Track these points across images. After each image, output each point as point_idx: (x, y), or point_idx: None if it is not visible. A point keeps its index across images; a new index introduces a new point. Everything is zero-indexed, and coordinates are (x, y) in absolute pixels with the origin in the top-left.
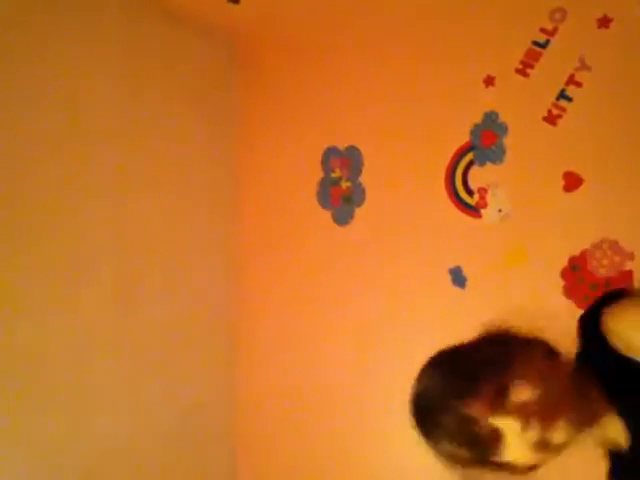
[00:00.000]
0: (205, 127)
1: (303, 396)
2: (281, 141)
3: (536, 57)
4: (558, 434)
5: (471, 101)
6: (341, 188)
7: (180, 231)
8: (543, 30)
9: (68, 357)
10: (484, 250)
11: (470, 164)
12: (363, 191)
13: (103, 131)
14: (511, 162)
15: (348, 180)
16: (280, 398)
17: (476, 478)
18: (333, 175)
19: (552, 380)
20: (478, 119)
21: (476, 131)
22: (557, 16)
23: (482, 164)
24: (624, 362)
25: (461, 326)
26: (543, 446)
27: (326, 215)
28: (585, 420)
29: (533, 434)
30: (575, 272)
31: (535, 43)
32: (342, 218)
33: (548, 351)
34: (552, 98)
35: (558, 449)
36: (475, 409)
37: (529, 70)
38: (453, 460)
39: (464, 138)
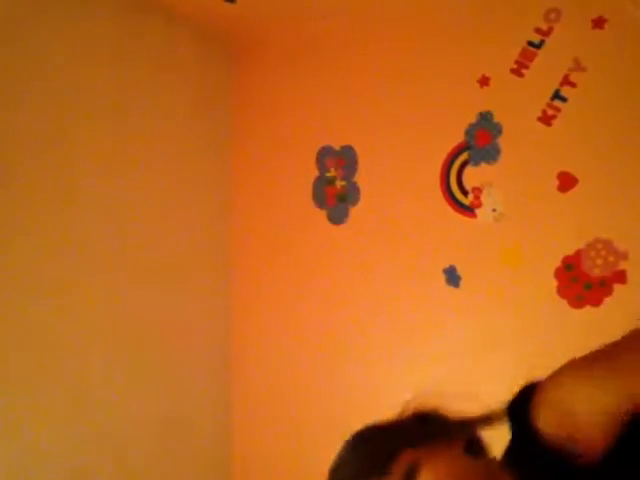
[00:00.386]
0: (200, 126)
1: (298, 397)
2: (276, 140)
3: (531, 57)
4: None
5: (466, 101)
6: (336, 187)
7: (175, 230)
8: (538, 30)
9: (61, 355)
10: (478, 250)
11: (465, 164)
12: (358, 190)
13: (97, 130)
14: (506, 162)
15: (343, 179)
16: (275, 398)
17: None
18: (328, 174)
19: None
20: (473, 119)
21: (471, 131)
22: (552, 16)
23: (477, 164)
24: (554, 462)
25: (455, 325)
26: None
27: (321, 214)
28: None
29: None
30: (569, 272)
31: (530, 43)
32: (337, 217)
33: (471, 443)
34: (547, 98)
35: None
36: None
37: (524, 70)
38: None
39: (459, 138)
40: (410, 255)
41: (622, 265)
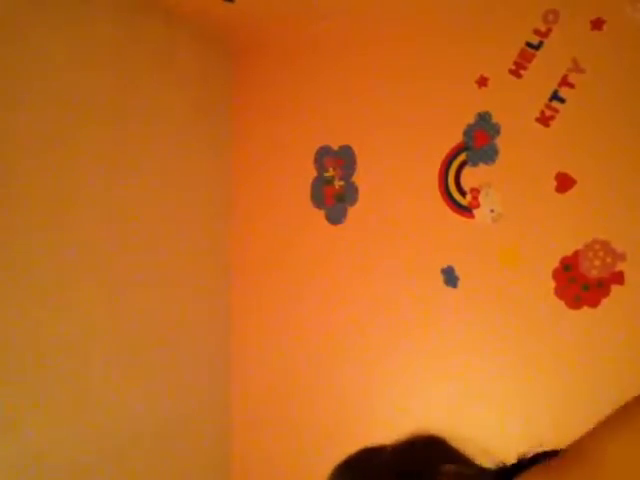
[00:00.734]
0: (199, 126)
1: (298, 397)
2: (275, 140)
3: (529, 58)
4: None
5: (464, 101)
6: (334, 187)
7: (174, 230)
8: (536, 31)
9: (61, 355)
10: (476, 250)
11: (463, 164)
12: (356, 190)
13: (97, 130)
14: (504, 163)
15: (341, 179)
16: (274, 398)
17: None
18: (326, 174)
19: None
20: (471, 119)
21: (469, 131)
22: (550, 17)
23: (475, 164)
24: None
25: (453, 326)
26: None
27: (319, 214)
28: None
29: None
30: (567, 272)
31: (528, 44)
32: (335, 217)
33: None
34: (545, 99)
35: None
36: None
37: (522, 71)
38: None
39: (457, 138)
40: (408, 255)
41: (620, 266)
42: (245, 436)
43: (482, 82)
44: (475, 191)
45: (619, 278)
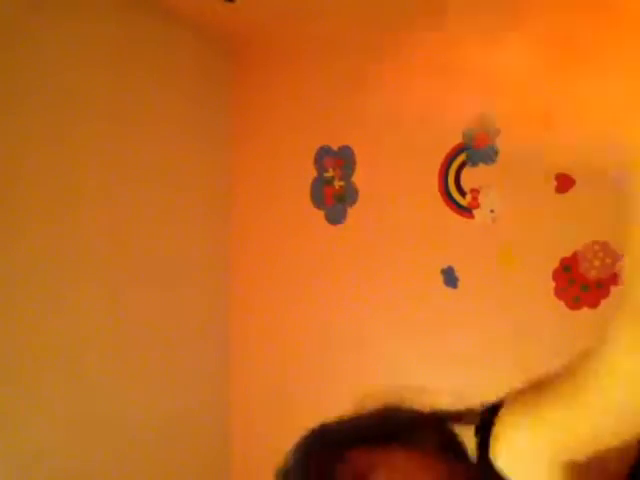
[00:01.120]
0: (199, 126)
1: (298, 396)
2: (275, 140)
3: None
4: None
5: (465, 102)
6: (334, 188)
7: (173, 230)
8: None
9: (60, 355)
10: (476, 250)
11: (463, 165)
12: (356, 191)
13: (97, 131)
14: (503, 163)
15: (341, 180)
16: (274, 398)
17: None
18: (326, 175)
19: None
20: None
21: (469, 132)
22: None
23: (475, 165)
24: None
25: (453, 326)
26: None
27: (319, 214)
28: None
29: None
30: (566, 273)
31: None
32: (335, 218)
33: (445, 442)
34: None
35: None
36: None
37: None
38: None
39: (457, 139)
40: (408, 255)
41: (619, 267)
42: (245, 436)
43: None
44: (475, 191)
45: (618, 279)
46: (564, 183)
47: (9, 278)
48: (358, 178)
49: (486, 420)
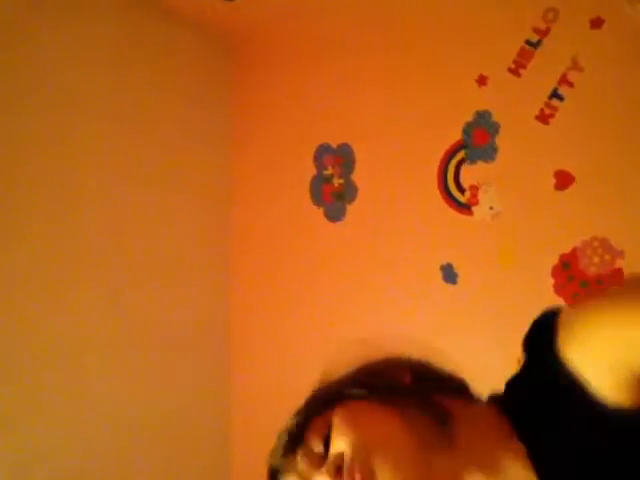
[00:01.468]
0: (198, 125)
1: (298, 396)
2: (274, 138)
3: (529, 57)
4: None
5: (463, 100)
6: (333, 185)
7: (172, 228)
8: (536, 30)
9: (59, 354)
10: (475, 247)
11: (462, 162)
12: (355, 188)
13: (96, 131)
14: (503, 160)
15: (340, 177)
16: (275, 398)
17: None
18: (325, 172)
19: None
20: (470, 117)
21: (468, 129)
22: (550, 16)
23: (474, 162)
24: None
25: (452, 323)
26: None
27: (318, 212)
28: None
29: None
30: (566, 270)
31: (528, 43)
32: (334, 215)
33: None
34: (544, 97)
35: None
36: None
37: (522, 70)
38: None
39: (456, 136)
40: (407, 252)
41: (619, 263)
42: (245, 436)
43: (482, 81)
44: (474, 188)
45: (618, 275)
46: (563, 180)
47: (9, 278)
48: (357, 176)
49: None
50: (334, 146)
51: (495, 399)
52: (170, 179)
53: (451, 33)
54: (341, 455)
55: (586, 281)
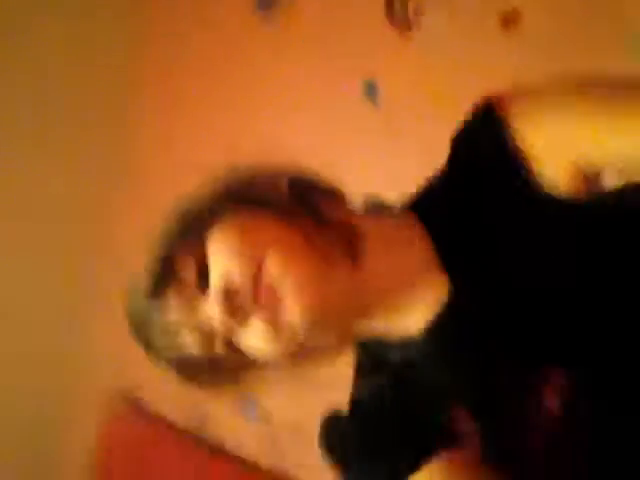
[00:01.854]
0: None
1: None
2: None
3: None
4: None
5: None
6: None
7: None
8: None
9: None
10: (406, 71)
11: None
12: None
13: None
14: None
15: None
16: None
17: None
18: None
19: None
20: None
21: None
22: None
23: None
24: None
25: (366, 142)
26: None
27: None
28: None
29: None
30: None
31: None
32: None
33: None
34: None
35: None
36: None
37: None
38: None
39: None
40: (330, 64)
41: None
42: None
43: None
44: (419, 8)
45: None
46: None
47: None
48: None
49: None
50: None
51: (411, 206)
52: None
53: None
54: (228, 275)
55: None
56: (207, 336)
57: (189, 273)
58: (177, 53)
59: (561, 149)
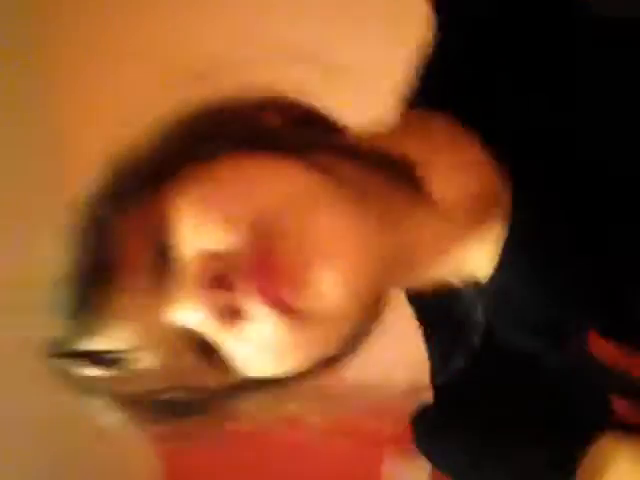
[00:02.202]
0: None
1: None
2: None
3: None
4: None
5: None
6: None
7: None
8: None
9: None
10: None
11: None
12: None
13: None
14: None
15: None
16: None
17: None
18: None
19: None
20: None
21: None
22: None
23: None
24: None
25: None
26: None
27: None
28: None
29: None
30: None
31: None
32: None
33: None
34: None
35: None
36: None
37: None
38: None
39: None
40: None
41: None
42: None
43: None
44: None
45: None
46: None
47: None
48: None
49: None
50: None
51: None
52: None
53: None
54: (213, 244)
55: None
56: (177, 352)
57: (139, 258)
58: None
59: None
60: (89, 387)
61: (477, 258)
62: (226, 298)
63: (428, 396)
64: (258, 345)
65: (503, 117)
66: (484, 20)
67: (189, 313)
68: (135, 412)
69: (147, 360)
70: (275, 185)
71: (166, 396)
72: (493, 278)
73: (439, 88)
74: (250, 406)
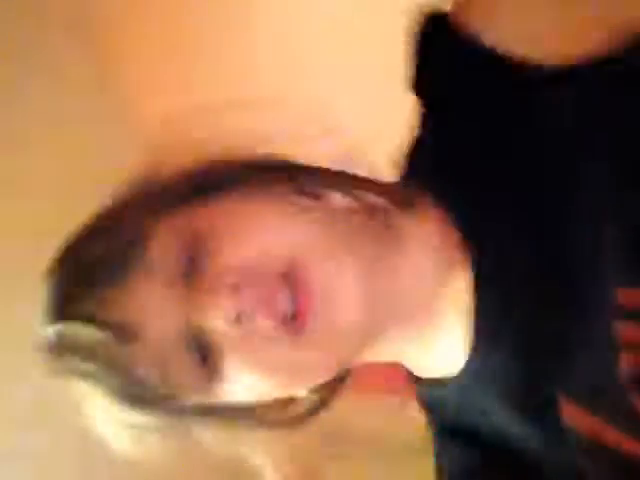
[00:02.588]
0: None
1: None
2: None
3: None
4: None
5: None
6: None
7: None
8: None
9: None
10: None
11: None
12: None
13: None
14: None
15: None
16: None
17: None
18: None
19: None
20: None
21: None
22: None
23: None
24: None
25: None
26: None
27: None
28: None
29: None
30: None
31: None
32: None
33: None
34: None
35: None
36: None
37: None
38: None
39: None
40: None
41: None
42: None
43: None
44: None
45: None
46: None
47: None
48: None
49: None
50: None
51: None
52: None
53: None
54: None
55: None
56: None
57: (170, 258)
58: None
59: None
60: (89, 352)
61: (446, 349)
62: (244, 305)
63: None
64: (256, 356)
65: (474, 201)
66: (449, 100)
67: (212, 315)
68: (110, 385)
69: (150, 331)
70: (300, 227)
71: (141, 373)
72: (467, 364)
73: (419, 166)
74: (206, 434)
